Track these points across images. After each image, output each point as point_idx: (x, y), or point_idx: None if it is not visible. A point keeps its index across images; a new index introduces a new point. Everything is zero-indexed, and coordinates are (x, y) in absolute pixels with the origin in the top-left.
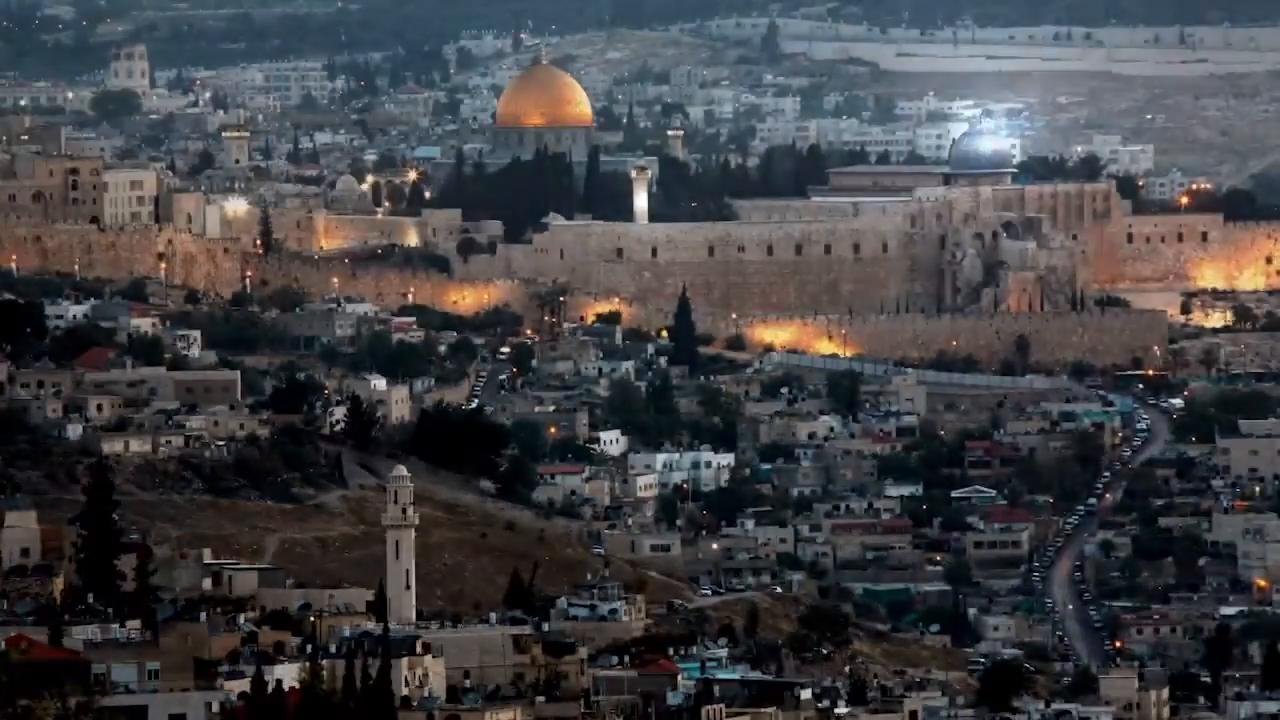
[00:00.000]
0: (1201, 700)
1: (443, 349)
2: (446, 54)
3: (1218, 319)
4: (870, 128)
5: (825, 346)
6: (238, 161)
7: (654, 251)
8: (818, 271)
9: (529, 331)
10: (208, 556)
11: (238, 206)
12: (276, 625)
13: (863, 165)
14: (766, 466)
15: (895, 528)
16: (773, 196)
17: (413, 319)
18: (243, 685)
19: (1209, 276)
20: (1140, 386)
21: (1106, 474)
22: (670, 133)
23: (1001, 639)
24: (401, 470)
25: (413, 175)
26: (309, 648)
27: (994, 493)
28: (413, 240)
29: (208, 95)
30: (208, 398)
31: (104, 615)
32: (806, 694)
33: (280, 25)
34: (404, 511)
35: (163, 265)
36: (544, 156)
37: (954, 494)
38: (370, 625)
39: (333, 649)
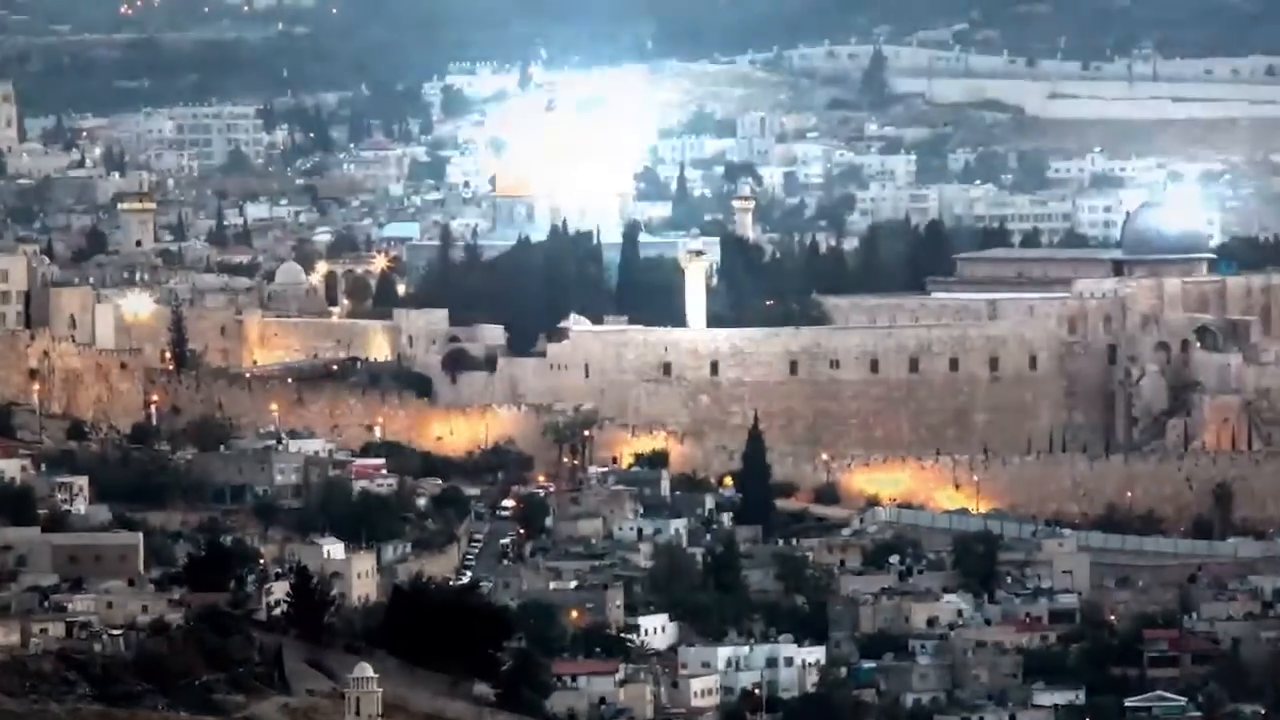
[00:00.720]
0: None
1: (422, 503)
2: (428, 94)
3: None
4: (1013, 197)
5: (951, 499)
6: (139, 244)
7: (714, 368)
8: (940, 395)
9: (542, 478)
10: None
11: (140, 306)
12: None
13: (1002, 248)
14: (870, 664)
15: None
16: (878, 291)
17: (381, 461)
18: None
19: None
20: None
21: None
22: (737, 203)
23: None
24: (365, 669)
25: (381, 262)
26: None
27: (1184, 701)
28: (382, 352)
29: (98, 152)
30: (98, 569)
31: None
32: None
33: (198, 56)
34: None
35: (36, 386)
36: (562, 236)
37: (1128, 702)
38: None
39: None
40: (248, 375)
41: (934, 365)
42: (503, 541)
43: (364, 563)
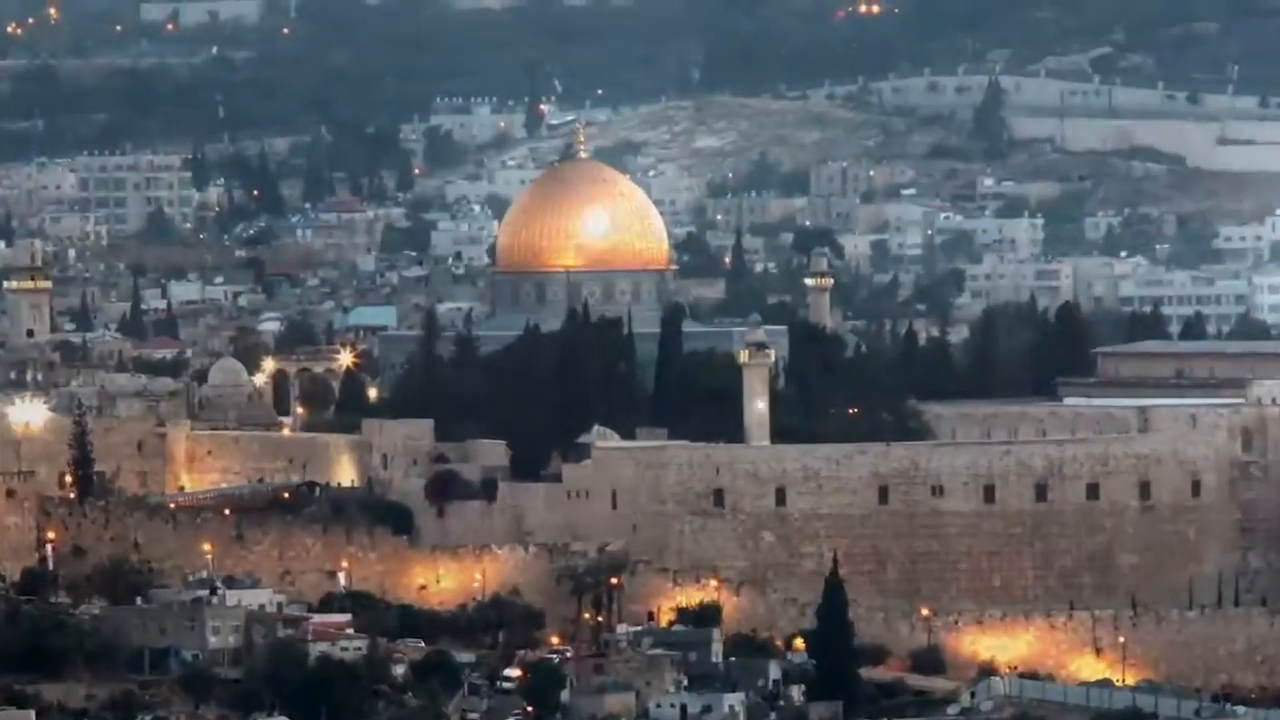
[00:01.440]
0: None
1: (401, 671)
2: (408, 139)
3: None
4: (1170, 273)
5: (1089, 667)
6: (31, 334)
7: (780, 496)
8: (1075, 531)
9: (556, 640)
10: None
11: (32, 415)
12: None
13: (1157, 341)
14: None
15: None
16: (994, 396)
17: (347, 617)
18: None
19: None
20: None
21: None
22: (810, 282)
23: None
24: None
25: (346, 358)
26: None
27: None
28: (347, 476)
29: None
30: None
31: None
32: None
33: (108, 88)
34: None
35: None
36: (582, 324)
37: None
38: None
39: None
40: (172, 506)
41: (1066, 493)
42: None
43: None
